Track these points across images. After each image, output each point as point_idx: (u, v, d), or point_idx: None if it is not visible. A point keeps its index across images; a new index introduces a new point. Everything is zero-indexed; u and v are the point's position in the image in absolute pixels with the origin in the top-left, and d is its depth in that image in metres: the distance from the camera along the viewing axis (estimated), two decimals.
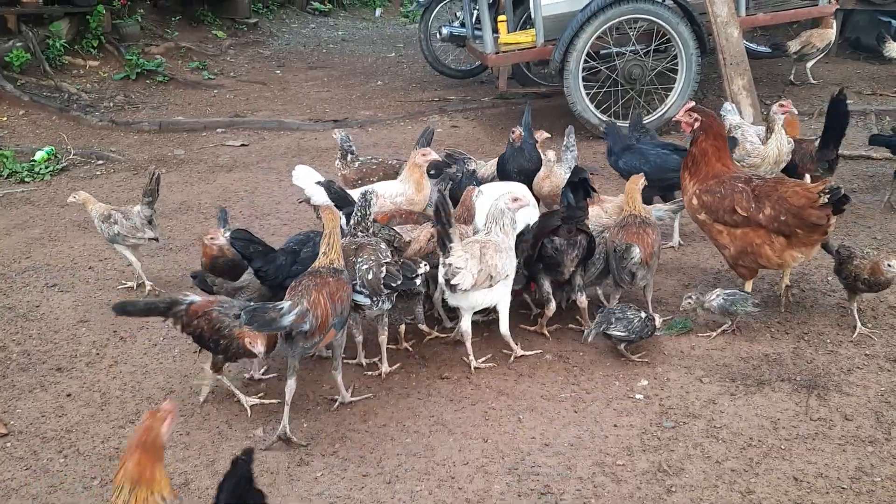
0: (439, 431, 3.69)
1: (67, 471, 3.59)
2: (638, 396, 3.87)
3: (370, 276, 3.87)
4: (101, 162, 8.48)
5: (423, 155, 5.05)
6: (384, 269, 3.88)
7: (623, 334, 4.05)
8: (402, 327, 4.40)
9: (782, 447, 3.43)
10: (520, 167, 5.58)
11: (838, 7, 9.30)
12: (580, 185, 4.24)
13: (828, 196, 3.95)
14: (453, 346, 4.45)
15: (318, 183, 4.92)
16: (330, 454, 3.59)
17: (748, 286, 4.43)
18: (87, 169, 8.31)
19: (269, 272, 4.16)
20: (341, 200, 4.64)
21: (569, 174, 4.68)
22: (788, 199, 4.10)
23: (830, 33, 8.99)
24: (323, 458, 3.56)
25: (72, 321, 4.94)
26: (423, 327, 4.46)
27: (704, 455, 3.42)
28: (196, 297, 3.90)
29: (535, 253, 4.29)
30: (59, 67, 11.31)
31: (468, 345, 4.14)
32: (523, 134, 5.65)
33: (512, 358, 4.22)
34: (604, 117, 8.14)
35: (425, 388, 4.06)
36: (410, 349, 4.41)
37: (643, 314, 4.11)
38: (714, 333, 4.35)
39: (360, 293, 3.89)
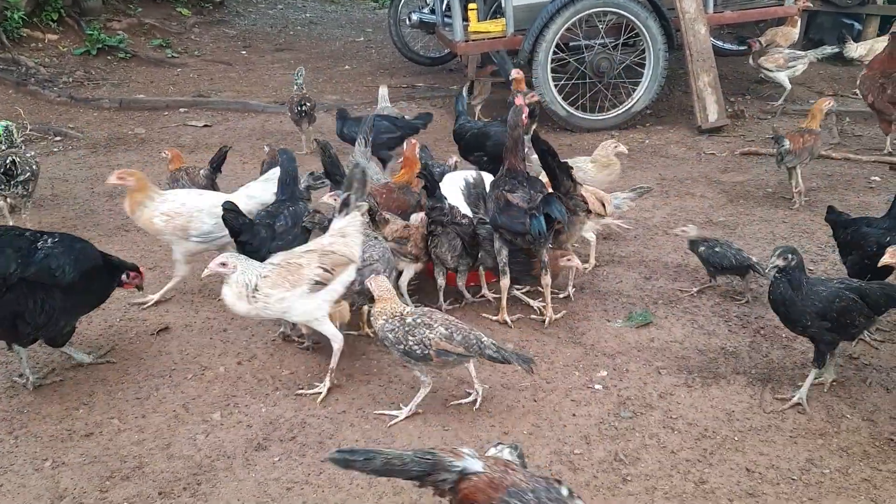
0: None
1: (18, 452, 3.51)
2: (597, 387, 3.90)
3: None
4: (58, 138, 8.28)
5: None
6: None
7: None
8: (365, 309, 4.37)
9: (736, 438, 3.50)
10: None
11: (811, 7, 9.44)
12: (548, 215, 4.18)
13: None
14: None
15: (316, 141, 5.18)
16: (288, 439, 3.56)
17: None
18: (45, 145, 8.12)
19: (254, 244, 4.32)
20: (333, 165, 4.95)
21: None
22: None
23: (794, 32, 9.14)
24: (281, 444, 3.53)
25: None
26: None
27: (660, 445, 3.47)
28: (474, 462, 2.37)
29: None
30: (17, 40, 11.01)
31: None
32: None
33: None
34: (571, 109, 8.18)
35: (386, 376, 4.05)
36: (372, 335, 4.40)
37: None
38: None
39: None
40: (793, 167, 6.00)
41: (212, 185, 5.67)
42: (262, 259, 3.94)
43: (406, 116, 7.21)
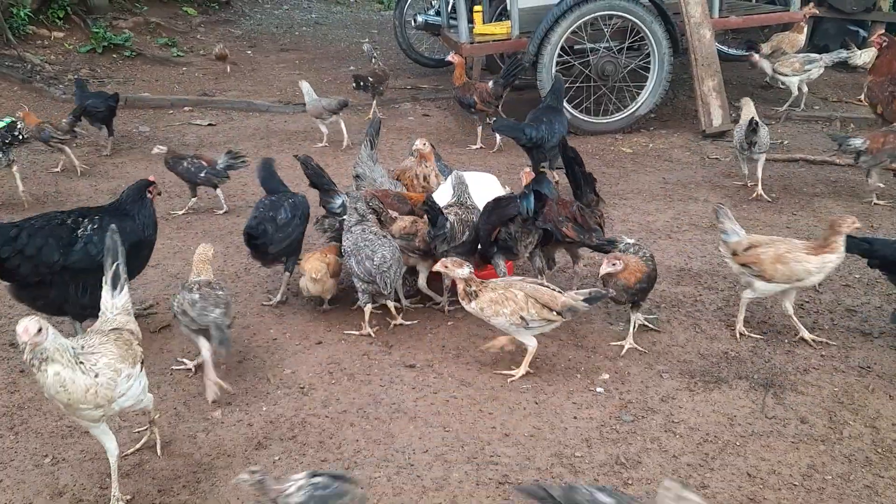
0: (400, 419, 3.68)
1: (18, 447, 3.51)
2: (598, 390, 3.90)
3: None
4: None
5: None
6: None
7: None
8: (368, 309, 4.37)
9: (737, 443, 3.48)
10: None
11: (816, 13, 9.43)
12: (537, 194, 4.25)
13: None
14: (419, 334, 4.44)
15: (296, 156, 5.14)
16: (289, 438, 3.55)
17: None
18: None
19: (262, 239, 4.56)
20: (317, 176, 4.89)
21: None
22: None
23: (801, 38, 9.13)
24: (282, 443, 3.52)
25: None
26: (391, 304, 4.48)
27: (661, 449, 3.46)
28: None
29: (492, 238, 4.43)
30: (23, 37, 11.03)
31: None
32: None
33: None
34: (575, 112, 8.17)
35: (388, 376, 4.04)
36: (373, 335, 4.39)
37: None
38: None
39: None
40: (870, 168, 5.99)
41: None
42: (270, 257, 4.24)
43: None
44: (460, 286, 3.96)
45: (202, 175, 6.23)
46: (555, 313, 3.84)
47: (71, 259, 3.95)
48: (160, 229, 5.67)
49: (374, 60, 9.01)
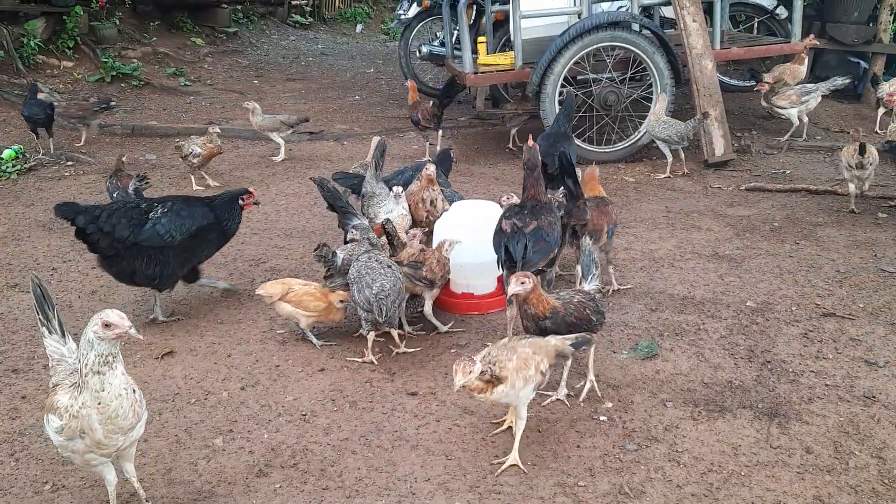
0: (402, 447, 3.66)
1: (18, 474, 3.50)
2: (602, 418, 3.87)
3: None
4: (70, 163, 8.37)
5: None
6: None
7: None
8: (371, 337, 4.37)
9: (742, 473, 3.45)
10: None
11: (817, 45, 9.51)
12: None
13: None
14: (421, 361, 4.43)
15: (312, 179, 5.32)
16: (290, 466, 3.53)
17: None
18: (56, 170, 8.20)
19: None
20: (333, 198, 5.03)
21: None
22: None
23: (802, 70, 9.21)
24: (283, 470, 3.51)
25: (31, 322, 4.84)
26: (394, 332, 4.47)
27: (665, 479, 3.43)
28: None
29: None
30: (33, 66, 11.19)
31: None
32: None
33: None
34: (578, 141, 8.22)
35: (390, 403, 4.03)
36: (376, 362, 4.39)
37: None
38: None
39: None
40: None
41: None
42: None
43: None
44: (479, 380, 3.27)
45: (115, 196, 6.28)
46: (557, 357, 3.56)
47: (140, 237, 4.66)
48: None
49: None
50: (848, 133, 9.09)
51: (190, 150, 7.42)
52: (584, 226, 4.82)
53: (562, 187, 4.83)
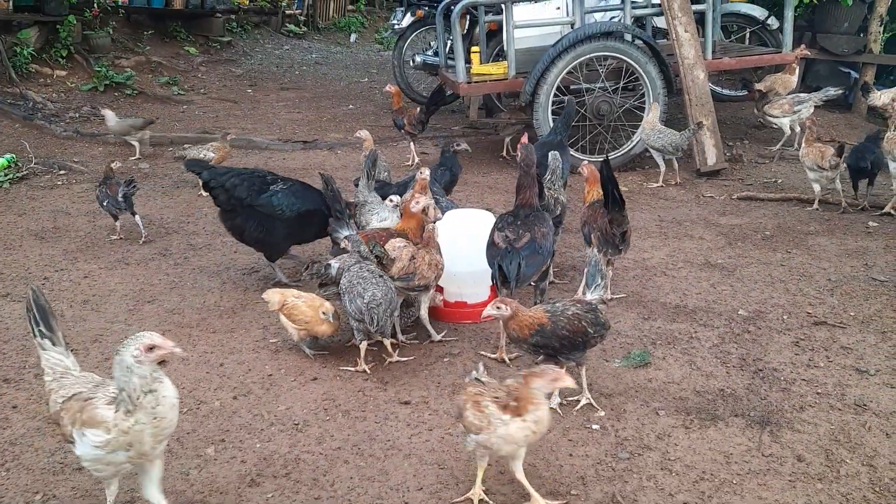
0: (395, 456, 3.66)
1: (9, 484, 3.48)
2: (594, 427, 3.88)
3: None
4: (62, 172, 8.35)
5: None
6: None
7: None
8: (363, 346, 4.37)
9: (734, 482, 3.46)
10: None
11: (808, 55, 9.57)
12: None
13: None
14: (414, 370, 4.43)
15: (321, 174, 5.40)
16: (282, 475, 3.52)
17: None
18: (48, 178, 8.18)
19: None
20: (332, 199, 5.10)
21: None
22: None
23: (793, 80, 9.27)
24: (275, 480, 3.49)
25: (22, 332, 4.81)
26: (387, 341, 4.46)
27: (658, 487, 3.44)
28: None
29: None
30: (26, 75, 11.18)
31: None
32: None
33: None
34: (571, 150, 8.25)
35: (383, 412, 4.02)
36: (369, 371, 4.38)
37: None
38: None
39: None
40: None
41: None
42: None
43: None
44: (500, 404, 3.13)
45: (104, 203, 6.37)
46: None
47: (256, 202, 5.24)
48: (157, 265, 5.78)
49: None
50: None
51: (202, 155, 7.70)
52: (624, 233, 4.89)
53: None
